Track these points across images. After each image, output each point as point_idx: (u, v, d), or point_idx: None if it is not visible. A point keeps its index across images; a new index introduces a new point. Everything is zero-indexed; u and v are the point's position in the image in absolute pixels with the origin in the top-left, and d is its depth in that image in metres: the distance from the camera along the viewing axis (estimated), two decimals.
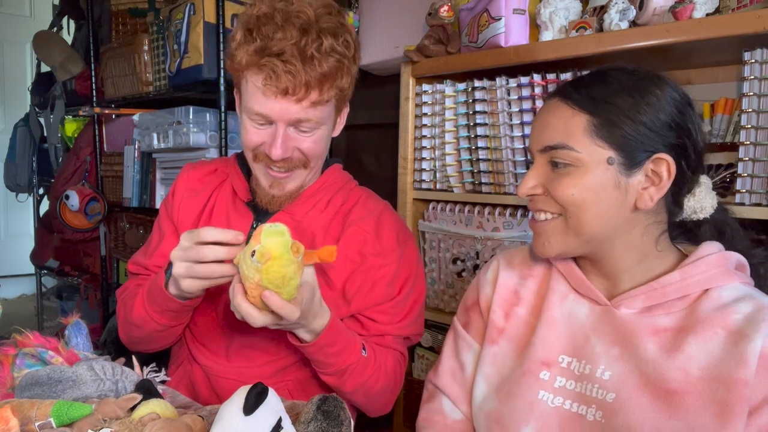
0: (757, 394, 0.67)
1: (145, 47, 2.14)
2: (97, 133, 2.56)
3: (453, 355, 0.95)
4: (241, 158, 1.11)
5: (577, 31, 1.24)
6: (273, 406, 0.63)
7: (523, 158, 1.36)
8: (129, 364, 0.81)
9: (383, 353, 1.01)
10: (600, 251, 0.80)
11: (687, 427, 0.69)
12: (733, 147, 1.12)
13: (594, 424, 0.76)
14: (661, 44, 1.10)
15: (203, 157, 1.88)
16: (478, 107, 1.42)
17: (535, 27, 1.34)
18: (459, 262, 1.52)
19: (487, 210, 1.44)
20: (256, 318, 0.78)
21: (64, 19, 3.15)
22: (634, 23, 1.17)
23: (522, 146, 1.35)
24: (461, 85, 1.46)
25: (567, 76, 1.27)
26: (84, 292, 2.77)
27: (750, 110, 1.07)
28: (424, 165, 1.56)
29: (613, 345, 0.78)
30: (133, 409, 0.70)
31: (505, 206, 1.42)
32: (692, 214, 0.81)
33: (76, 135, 2.79)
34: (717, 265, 0.75)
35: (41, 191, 3.48)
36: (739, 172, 1.09)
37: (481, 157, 1.43)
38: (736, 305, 0.72)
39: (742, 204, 1.08)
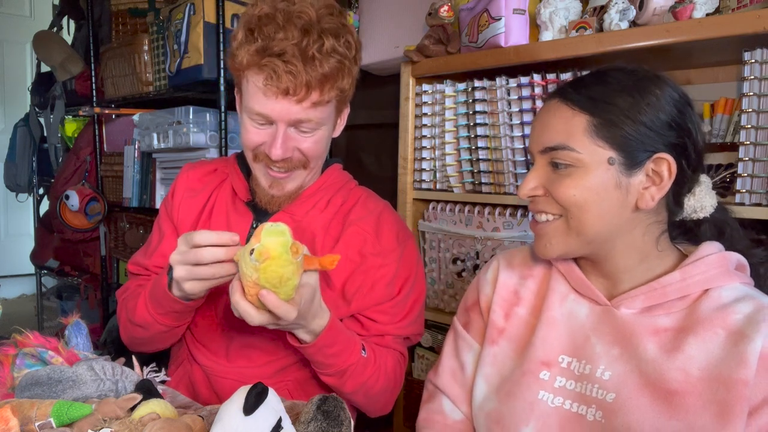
0: (757, 394, 0.67)
1: (145, 47, 2.14)
2: (97, 133, 2.56)
3: (453, 355, 0.95)
4: (240, 158, 1.11)
5: (577, 31, 1.24)
6: (273, 406, 0.63)
7: (523, 158, 1.36)
8: (129, 364, 0.81)
9: (383, 353, 1.01)
10: (601, 252, 0.80)
11: (687, 427, 0.69)
12: (733, 147, 1.12)
13: (594, 425, 0.76)
14: (661, 44, 1.10)
15: (203, 157, 1.88)
16: (478, 107, 1.42)
17: (535, 27, 1.34)
18: (459, 262, 1.52)
19: (487, 210, 1.44)
20: (254, 317, 0.78)
21: (64, 19, 3.15)
22: (634, 23, 1.17)
23: (522, 146, 1.35)
24: (461, 85, 1.46)
25: (567, 76, 1.27)
26: (84, 292, 2.77)
27: (750, 110, 1.07)
28: (424, 165, 1.56)
29: (613, 345, 0.78)
30: (133, 409, 0.70)
31: (505, 206, 1.42)
32: (692, 213, 0.81)
33: (76, 135, 2.79)
34: (717, 266, 0.75)
35: (41, 191, 3.48)
36: (739, 172, 1.09)
37: (481, 157, 1.43)
38: (736, 305, 0.72)
39: (742, 204, 1.08)
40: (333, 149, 2.10)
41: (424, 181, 1.57)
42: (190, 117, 1.90)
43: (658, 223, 0.79)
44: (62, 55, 2.70)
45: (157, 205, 2.19)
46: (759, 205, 1.07)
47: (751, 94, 1.07)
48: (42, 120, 3.27)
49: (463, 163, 1.47)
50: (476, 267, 1.47)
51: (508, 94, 1.37)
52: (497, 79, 1.38)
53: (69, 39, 3.16)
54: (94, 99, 2.52)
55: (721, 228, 0.83)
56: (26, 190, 3.47)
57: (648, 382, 0.73)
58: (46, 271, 3.24)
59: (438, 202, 1.56)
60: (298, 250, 0.75)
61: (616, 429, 0.74)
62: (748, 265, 0.79)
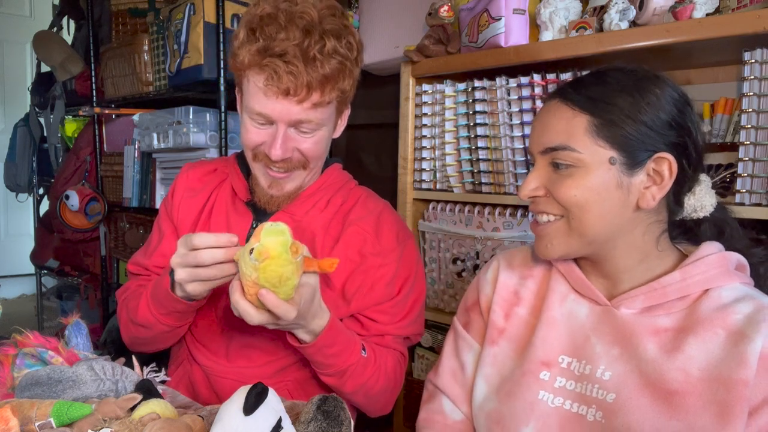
0: (757, 394, 0.67)
1: (145, 47, 2.14)
2: (97, 133, 2.56)
3: (453, 355, 0.95)
4: (240, 158, 1.11)
5: (577, 31, 1.24)
6: (273, 406, 0.62)
7: (523, 158, 1.36)
8: (129, 364, 0.81)
9: (383, 353, 1.01)
10: (602, 252, 0.80)
11: (687, 427, 0.69)
12: (733, 147, 1.12)
13: (594, 425, 0.76)
14: (661, 44, 1.10)
15: (203, 157, 1.88)
16: (478, 107, 1.42)
17: (535, 27, 1.34)
18: (459, 262, 1.52)
19: (487, 210, 1.44)
20: (253, 316, 0.78)
21: (64, 19, 3.15)
22: (634, 23, 1.17)
23: (522, 146, 1.35)
24: (461, 85, 1.46)
25: (567, 76, 1.27)
26: (84, 292, 2.77)
27: (750, 110, 1.07)
28: (424, 165, 1.56)
29: (613, 345, 0.78)
30: (133, 409, 0.70)
31: (505, 206, 1.42)
32: (692, 212, 0.81)
33: (76, 135, 2.79)
34: (717, 266, 0.75)
35: (41, 191, 3.48)
36: (739, 172, 1.09)
37: (481, 157, 1.43)
38: (736, 305, 0.72)
39: (742, 204, 1.08)
40: (333, 149, 2.10)
41: (424, 181, 1.57)
42: (190, 117, 1.90)
43: (658, 222, 0.79)
44: (62, 55, 2.70)
45: (157, 205, 2.19)
46: (759, 205, 1.07)
47: (751, 94, 1.07)
48: (42, 120, 3.27)
49: (463, 163, 1.47)
50: (476, 267, 1.47)
51: (508, 94, 1.37)
52: (497, 79, 1.38)
53: (69, 39, 3.16)
54: (94, 99, 2.52)
55: (720, 227, 0.83)
56: (26, 190, 3.47)
57: (648, 383, 0.73)
58: (46, 271, 3.24)
59: (438, 202, 1.56)
60: (297, 249, 0.75)
61: (616, 429, 0.74)
62: (748, 265, 0.79)
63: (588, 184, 0.75)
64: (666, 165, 0.74)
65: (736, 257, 0.78)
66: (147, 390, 0.73)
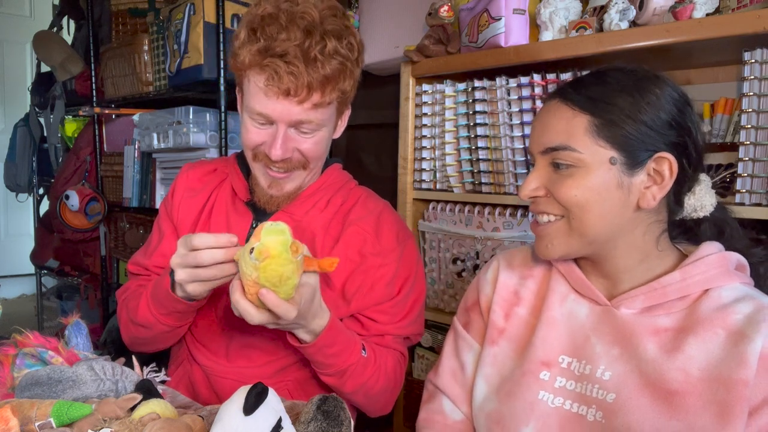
0: (757, 394, 0.67)
1: (145, 47, 2.14)
2: (97, 133, 2.56)
3: (453, 355, 0.95)
4: (240, 158, 1.11)
5: (577, 31, 1.24)
6: (273, 406, 0.62)
7: (523, 158, 1.36)
8: (129, 364, 0.81)
9: (383, 353, 1.01)
10: (602, 252, 0.80)
11: (687, 427, 0.69)
12: (733, 147, 1.12)
13: (594, 425, 0.76)
14: (661, 44, 1.10)
15: (203, 157, 1.88)
16: (478, 107, 1.42)
17: (535, 27, 1.34)
18: (459, 262, 1.52)
19: (487, 210, 1.44)
20: (254, 315, 0.78)
21: (64, 19, 3.15)
22: (634, 23, 1.17)
23: (522, 146, 1.35)
24: (461, 85, 1.46)
25: (567, 76, 1.27)
26: (84, 292, 2.77)
27: (750, 110, 1.07)
28: (424, 165, 1.56)
29: (613, 345, 0.78)
30: (133, 409, 0.70)
31: (505, 206, 1.42)
32: (692, 212, 0.81)
33: (76, 135, 2.79)
34: (717, 266, 0.75)
35: (41, 191, 3.48)
36: (739, 172, 1.09)
37: (481, 157, 1.43)
38: (736, 305, 0.72)
39: (742, 204, 1.08)
40: (333, 149, 2.10)
41: (424, 181, 1.57)
42: (190, 117, 1.90)
43: (658, 222, 0.79)
44: (62, 55, 2.70)
45: (157, 205, 2.19)
46: (759, 205, 1.07)
47: (751, 94, 1.07)
48: (42, 120, 3.27)
49: (463, 163, 1.47)
50: (476, 267, 1.47)
51: (508, 94, 1.37)
52: (497, 79, 1.38)
53: (69, 39, 3.16)
54: (94, 99, 2.52)
55: (720, 227, 0.83)
56: (26, 190, 3.47)
57: (648, 383, 0.73)
58: (46, 271, 3.24)
59: (438, 202, 1.56)
60: (298, 249, 0.75)
61: (616, 429, 0.74)
62: (748, 265, 0.79)
63: (588, 184, 0.75)
64: (666, 165, 0.74)
65: (736, 257, 0.78)
66: (147, 390, 0.73)
